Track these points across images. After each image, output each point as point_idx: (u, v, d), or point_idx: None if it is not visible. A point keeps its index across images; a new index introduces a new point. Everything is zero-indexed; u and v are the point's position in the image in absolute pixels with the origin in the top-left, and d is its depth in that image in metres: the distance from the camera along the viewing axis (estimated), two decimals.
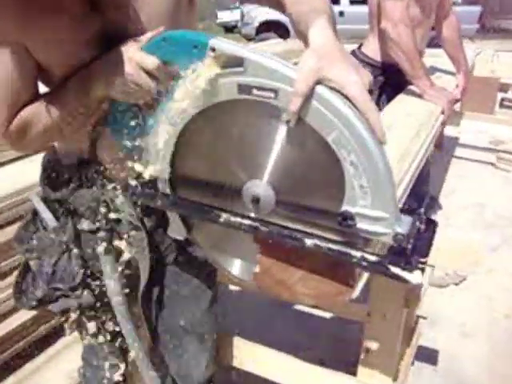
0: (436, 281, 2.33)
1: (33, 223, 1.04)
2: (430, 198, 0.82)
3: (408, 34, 1.90)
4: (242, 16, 11.90)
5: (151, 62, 0.78)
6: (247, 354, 1.57)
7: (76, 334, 1.17)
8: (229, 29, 13.01)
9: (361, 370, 1.41)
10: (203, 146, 0.84)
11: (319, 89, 0.70)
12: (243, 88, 0.74)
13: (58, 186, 0.99)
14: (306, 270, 0.86)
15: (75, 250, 1.01)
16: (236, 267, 0.95)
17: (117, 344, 1.14)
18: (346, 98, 0.70)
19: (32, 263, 1.04)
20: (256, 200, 0.81)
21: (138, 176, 0.90)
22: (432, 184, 2.53)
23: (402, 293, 1.31)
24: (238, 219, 0.83)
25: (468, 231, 2.84)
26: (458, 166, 3.91)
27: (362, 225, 0.74)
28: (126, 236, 1.00)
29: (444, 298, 2.34)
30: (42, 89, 0.90)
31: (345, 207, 0.74)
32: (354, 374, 1.43)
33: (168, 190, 0.89)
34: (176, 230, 0.96)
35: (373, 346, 1.35)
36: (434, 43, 2.38)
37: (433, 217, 0.86)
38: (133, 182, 0.91)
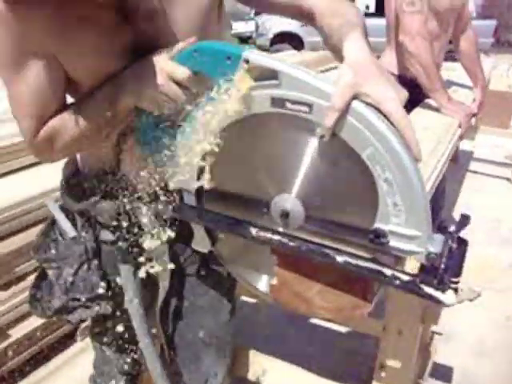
0: None
1: (51, 232, 1.04)
2: (462, 215, 0.80)
3: (426, 48, 1.90)
4: (257, 27, 11.96)
5: (182, 72, 0.78)
6: (260, 367, 1.55)
7: (88, 340, 1.16)
8: (243, 40, 13.12)
9: None
10: (232, 158, 0.83)
11: (355, 104, 0.69)
12: (276, 101, 0.73)
13: (80, 198, 0.98)
14: (323, 284, 0.86)
15: (95, 261, 1.00)
16: (263, 283, 0.94)
17: (130, 354, 1.13)
18: (382, 113, 0.69)
19: (50, 272, 1.03)
20: (285, 214, 0.80)
21: (163, 188, 0.90)
22: (447, 198, 2.50)
23: (419, 308, 1.29)
24: (269, 234, 0.82)
25: (483, 247, 2.79)
26: (473, 181, 3.88)
27: (394, 243, 0.73)
28: (147, 248, 0.99)
29: (458, 314, 2.30)
30: (70, 100, 0.90)
31: (377, 224, 0.73)
32: None
33: (194, 202, 0.88)
34: (200, 243, 0.95)
35: (392, 363, 1.32)
36: (448, 57, 2.37)
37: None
38: (159, 194, 0.91)
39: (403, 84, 0.76)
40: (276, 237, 0.82)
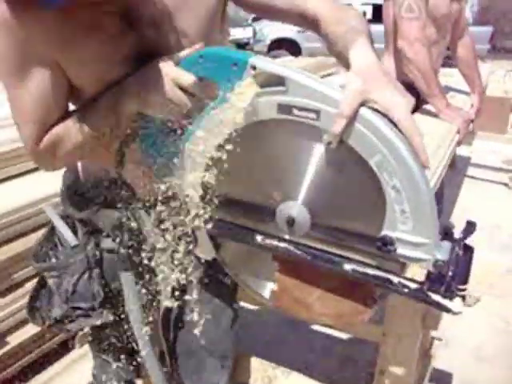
0: None
1: (51, 240, 1.03)
2: (467, 222, 0.80)
3: (424, 53, 1.90)
4: (254, 33, 11.99)
5: (187, 78, 0.77)
6: (261, 373, 1.54)
7: (87, 346, 1.15)
8: (241, 46, 13.18)
9: None
10: (237, 165, 0.82)
11: (363, 111, 0.68)
12: (283, 108, 0.72)
13: (81, 206, 0.97)
14: (323, 289, 0.85)
15: (97, 270, 0.99)
16: (266, 289, 0.93)
17: (129, 361, 1.12)
18: (390, 120, 0.68)
19: (50, 281, 1.02)
20: (291, 221, 0.79)
21: (165, 195, 0.89)
22: (445, 204, 2.50)
23: (419, 314, 1.29)
24: (275, 242, 0.82)
25: (482, 252, 2.78)
26: (471, 186, 3.89)
27: (401, 250, 0.72)
28: (148, 256, 0.98)
29: (457, 319, 2.29)
30: (71, 108, 0.89)
31: (385, 232, 0.72)
32: None
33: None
34: (204, 250, 0.94)
35: (392, 369, 1.32)
36: (446, 63, 2.38)
37: None
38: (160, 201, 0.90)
39: None
40: (282, 244, 0.81)
